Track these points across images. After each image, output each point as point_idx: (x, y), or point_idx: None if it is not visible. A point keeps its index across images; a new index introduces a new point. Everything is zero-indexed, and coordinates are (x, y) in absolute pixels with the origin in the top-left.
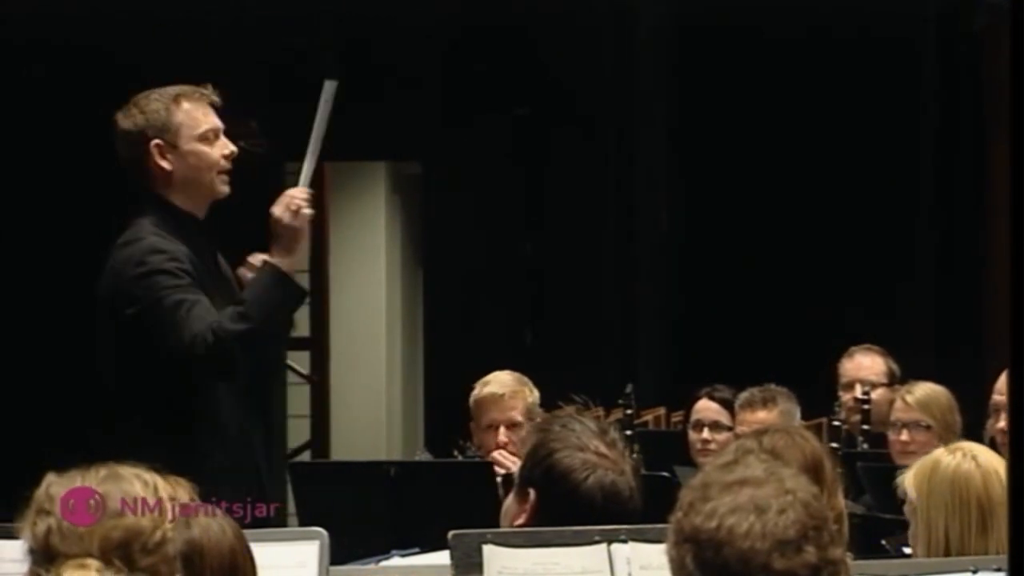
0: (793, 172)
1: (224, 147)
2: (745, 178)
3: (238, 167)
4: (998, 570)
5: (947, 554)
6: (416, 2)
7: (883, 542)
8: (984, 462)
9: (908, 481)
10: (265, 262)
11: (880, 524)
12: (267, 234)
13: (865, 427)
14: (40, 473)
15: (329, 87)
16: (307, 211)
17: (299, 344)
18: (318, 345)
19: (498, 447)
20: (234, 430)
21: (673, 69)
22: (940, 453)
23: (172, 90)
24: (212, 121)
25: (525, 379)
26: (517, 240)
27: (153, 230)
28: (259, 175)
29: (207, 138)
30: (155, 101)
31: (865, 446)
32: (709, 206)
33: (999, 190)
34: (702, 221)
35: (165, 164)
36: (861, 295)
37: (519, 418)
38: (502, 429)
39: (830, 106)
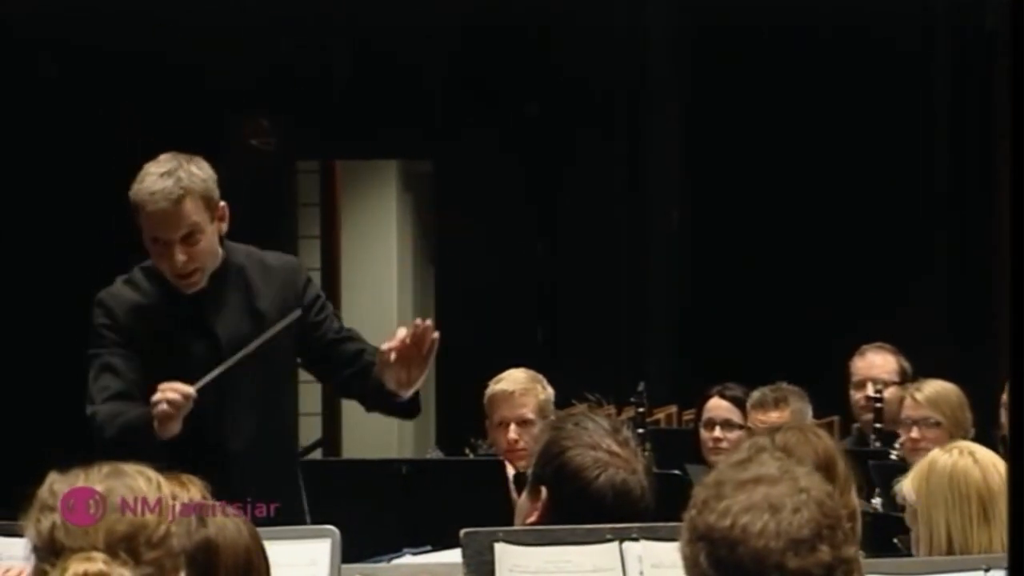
0: (804, 170)
1: (172, 258)
2: (756, 177)
3: (249, 165)
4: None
5: (950, 552)
6: (428, 0)
7: (895, 540)
8: (981, 457)
9: (906, 486)
10: (152, 421)
11: (892, 522)
12: (276, 229)
13: (877, 425)
14: (42, 472)
15: (294, 315)
16: (173, 421)
17: None
18: None
19: (509, 444)
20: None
21: (685, 69)
22: (936, 454)
23: (142, 179)
24: (158, 236)
25: (539, 377)
26: (528, 238)
27: (133, 274)
28: (270, 172)
29: (155, 249)
30: (138, 181)
31: (877, 444)
32: (721, 205)
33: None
34: (713, 220)
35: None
36: (873, 292)
37: (530, 415)
38: (512, 426)
39: (841, 104)
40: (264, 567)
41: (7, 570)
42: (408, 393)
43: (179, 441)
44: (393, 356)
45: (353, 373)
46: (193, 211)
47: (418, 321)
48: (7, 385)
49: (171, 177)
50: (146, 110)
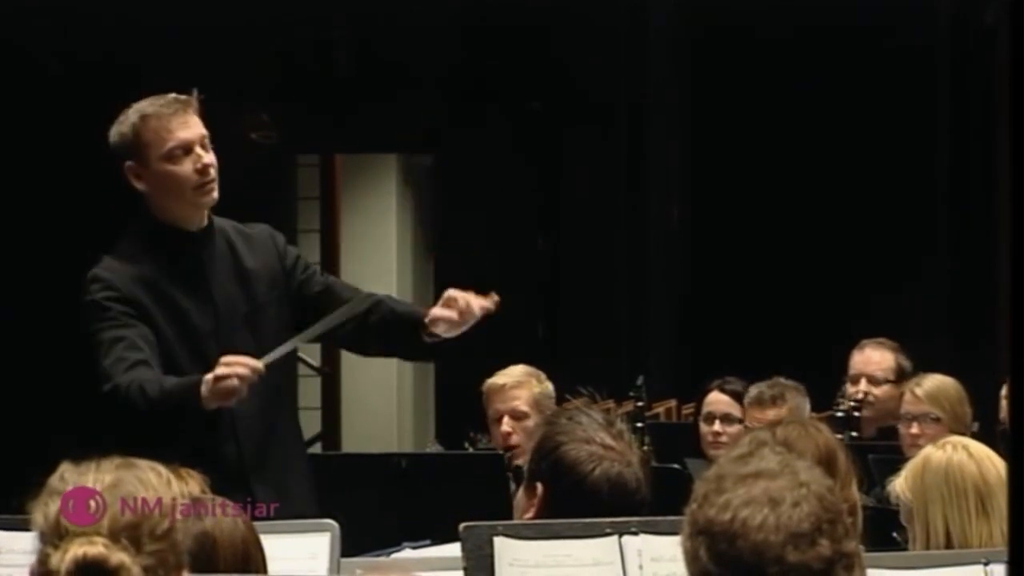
0: (805, 164)
1: (197, 160)
2: (757, 173)
3: (249, 159)
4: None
5: (948, 547)
6: None
7: (895, 534)
8: (976, 451)
9: (900, 485)
10: (198, 383)
11: (892, 516)
12: (276, 223)
13: (854, 435)
14: (47, 467)
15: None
16: (243, 393)
17: None
18: None
19: (503, 438)
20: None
21: (686, 63)
22: (929, 451)
23: (143, 106)
24: (179, 137)
25: (537, 372)
26: (529, 233)
27: (122, 248)
28: (270, 166)
29: (174, 155)
30: (126, 121)
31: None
32: (721, 199)
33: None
34: (714, 214)
35: (140, 185)
36: (874, 287)
37: (523, 407)
38: (506, 419)
39: (842, 99)
40: (261, 560)
41: None
42: (452, 335)
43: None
44: (453, 305)
45: (353, 324)
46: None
47: (489, 304)
48: (14, 382)
49: (166, 96)
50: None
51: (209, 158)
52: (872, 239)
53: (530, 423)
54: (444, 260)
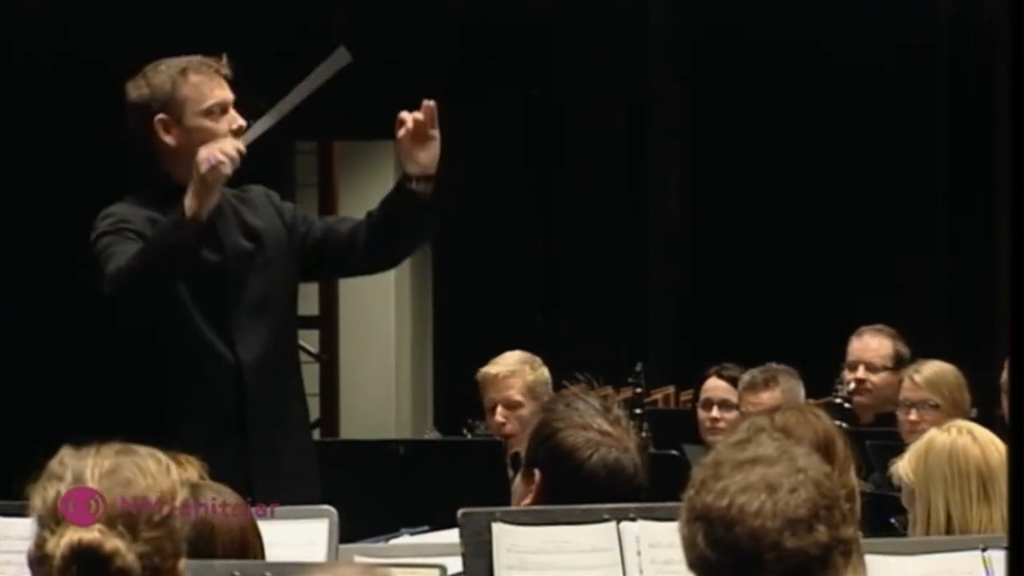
0: (805, 155)
1: (232, 121)
2: (756, 160)
3: (246, 145)
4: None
5: (949, 531)
6: None
7: (892, 520)
8: (980, 435)
9: (903, 466)
10: (179, 209)
11: (889, 502)
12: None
13: (839, 401)
14: (46, 454)
15: (341, 55)
16: (226, 170)
17: (309, 323)
18: (327, 324)
19: (497, 427)
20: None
21: (686, 52)
22: (933, 433)
23: (180, 62)
24: (219, 95)
25: (531, 358)
26: (528, 219)
27: (132, 199)
28: (267, 153)
29: (212, 112)
30: (162, 73)
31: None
32: (720, 187)
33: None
34: (712, 202)
35: (168, 139)
36: (873, 275)
37: (517, 397)
38: (499, 409)
39: (841, 99)
40: (259, 545)
41: None
42: (430, 174)
43: (189, 353)
44: (402, 133)
45: (361, 244)
46: None
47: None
48: (12, 373)
49: (195, 56)
50: None
51: (241, 120)
52: (871, 238)
53: (524, 412)
54: (443, 245)
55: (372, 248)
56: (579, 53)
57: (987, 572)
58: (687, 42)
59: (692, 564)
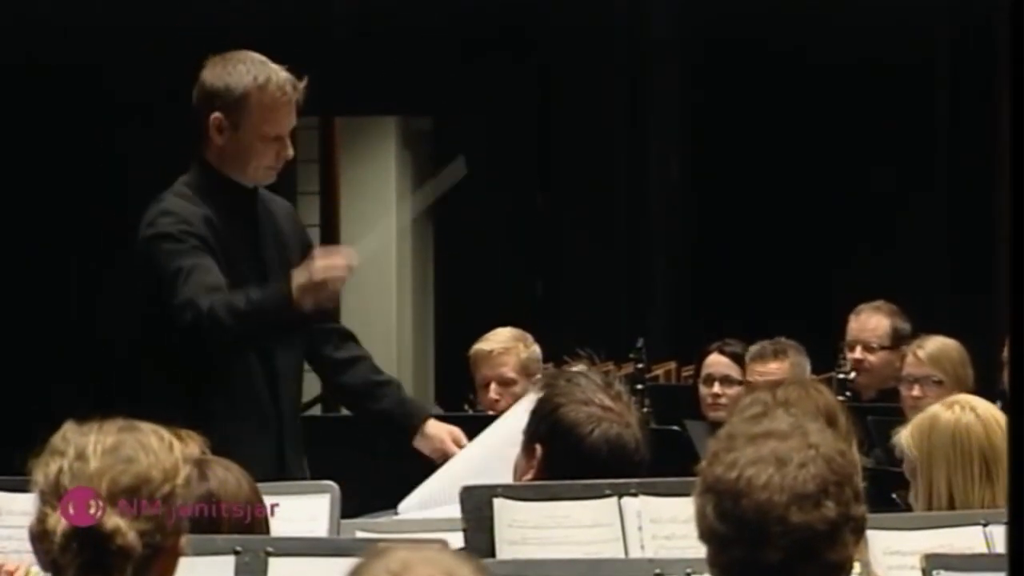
0: (809, 123)
1: (282, 150)
2: (758, 129)
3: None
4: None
5: (951, 508)
6: None
7: (894, 496)
8: (983, 412)
9: (906, 439)
10: (287, 281)
11: (891, 477)
12: (275, 186)
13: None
14: (48, 430)
15: (457, 167)
16: (340, 285)
17: None
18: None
19: (490, 404)
20: (251, 405)
21: (686, 18)
22: (937, 409)
23: (266, 71)
24: (282, 127)
25: (523, 335)
26: (528, 194)
27: (180, 190)
28: None
29: (266, 137)
30: (243, 74)
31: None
32: (722, 158)
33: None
34: (715, 175)
35: (218, 138)
36: (876, 247)
37: (510, 374)
38: (493, 386)
39: (842, 99)
40: (264, 520)
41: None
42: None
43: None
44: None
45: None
46: None
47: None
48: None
49: (284, 72)
50: (144, 69)
51: (290, 152)
52: (874, 200)
53: (518, 389)
54: (443, 221)
55: (331, 385)
56: (579, 19)
57: (988, 548)
58: (689, 5)
59: (702, 535)
